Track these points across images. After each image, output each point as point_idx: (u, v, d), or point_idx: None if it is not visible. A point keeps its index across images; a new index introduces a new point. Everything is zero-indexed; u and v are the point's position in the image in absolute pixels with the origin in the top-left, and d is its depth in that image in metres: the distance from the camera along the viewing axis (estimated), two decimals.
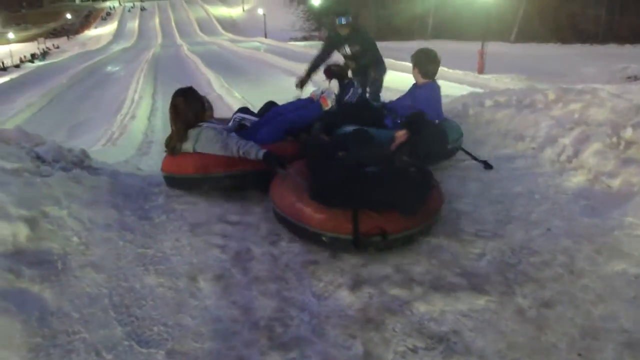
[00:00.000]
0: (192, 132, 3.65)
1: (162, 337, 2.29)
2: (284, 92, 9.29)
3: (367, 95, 5.65)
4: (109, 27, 73.64)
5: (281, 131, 4.02)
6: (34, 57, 56.84)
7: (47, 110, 22.91)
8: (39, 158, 3.71)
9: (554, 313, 2.33)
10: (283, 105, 4.40)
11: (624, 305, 2.35)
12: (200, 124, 3.68)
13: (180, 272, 2.74)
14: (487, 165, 4.04)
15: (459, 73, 20.74)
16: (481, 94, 6.05)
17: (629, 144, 3.58)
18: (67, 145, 4.35)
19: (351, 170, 2.92)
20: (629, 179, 3.32)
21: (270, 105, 4.43)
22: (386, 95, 5.82)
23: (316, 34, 53.25)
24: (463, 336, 2.23)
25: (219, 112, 4.85)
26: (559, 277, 2.58)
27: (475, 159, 4.17)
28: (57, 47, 66.49)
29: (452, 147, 4.16)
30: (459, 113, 5.25)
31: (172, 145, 3.73)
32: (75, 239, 2.87)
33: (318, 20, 53.46)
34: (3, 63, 49.87)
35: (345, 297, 2.51)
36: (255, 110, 4.45)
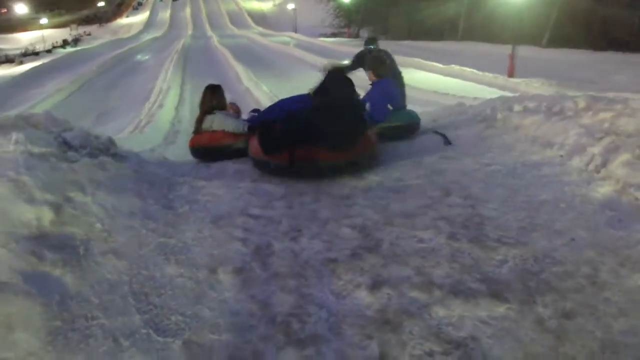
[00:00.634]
0: (209, 117, 5.00)
1: (180, 326, 2.30)
2: (312, 86, 9.29)
3: None
4: (141, 16, 74.28)
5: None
6: (65, 43, 57.60)
7: (76, 96, 23.23)
8: (66, 143, 3.74)
9: (574, 325, 2.29)
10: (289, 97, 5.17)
11: None
12: (214, 111, 5.00)
13: (201, 263, 2.75)
14: (447, 141, 4.84)
15: (488, 76, 20.54)
16: (510, 98, 6.00)
17: None
18: (95, 131, 4.40)
19: (286, 123, 4.22)
20: None
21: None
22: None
23: (345, 30, 53.18)
24: (481, 343, 2.20)
25: (247, 106, 5.52)
26: (581, 289, 2.53)
27: (436, 132, 5.34)
28: (89, 34, 67.27)
29: (404, 125, 5.53)
30: (487, 117, 5.20)
31: (196, 126, 5.07)
32: (98, 225, 2.90)
33: (347, 17, 53.38)
34: (35, 48, 50.67)
35: (364, 297, 2.50)
36: None
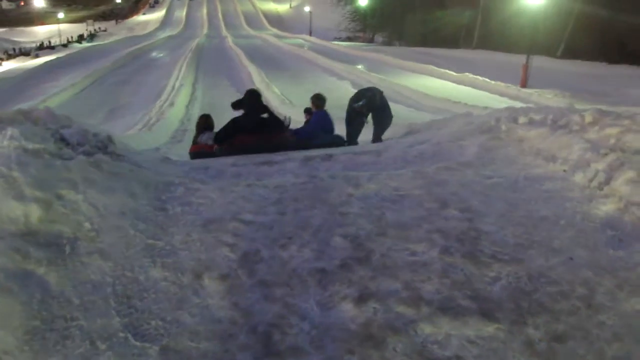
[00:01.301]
0: (202, 135, 7.16)
1: (159, 332, 2.26)
2: (323, 90, 9.29)
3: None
4: (157, 14, 74.80)
5: None
6: (81, 38, 58.04)
7: (89, 91, 23.40)
8: (63, 140, 3.72)
9: (565, 348, 2.22)
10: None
11: None
12: (205, 132, 7.13)
13: (186, 267, 2.70)
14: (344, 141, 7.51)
15: (500, 85, 20.47)
16: (516, 109, 5.90)
17: None
18: (101, 128, 4.40)
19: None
20: None
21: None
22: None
23: (360, 35, 53.21)
24: None
25: None
26: (575, 311, 2.45)
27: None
28: (105, 30, 67.80)
29: (326, 143, 6.72)
30: (491, 128, 5.12)
31: (194, 140, 7.39)
32: (86, 224, 2.87)
33: (363, 22, 53.42)
34: (50, 42, 51.05)
35: (349, 309, 2.43)
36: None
